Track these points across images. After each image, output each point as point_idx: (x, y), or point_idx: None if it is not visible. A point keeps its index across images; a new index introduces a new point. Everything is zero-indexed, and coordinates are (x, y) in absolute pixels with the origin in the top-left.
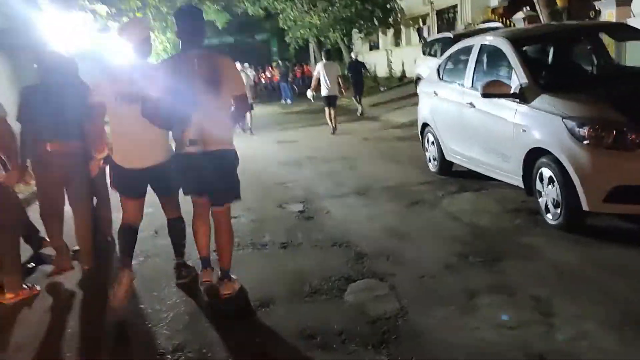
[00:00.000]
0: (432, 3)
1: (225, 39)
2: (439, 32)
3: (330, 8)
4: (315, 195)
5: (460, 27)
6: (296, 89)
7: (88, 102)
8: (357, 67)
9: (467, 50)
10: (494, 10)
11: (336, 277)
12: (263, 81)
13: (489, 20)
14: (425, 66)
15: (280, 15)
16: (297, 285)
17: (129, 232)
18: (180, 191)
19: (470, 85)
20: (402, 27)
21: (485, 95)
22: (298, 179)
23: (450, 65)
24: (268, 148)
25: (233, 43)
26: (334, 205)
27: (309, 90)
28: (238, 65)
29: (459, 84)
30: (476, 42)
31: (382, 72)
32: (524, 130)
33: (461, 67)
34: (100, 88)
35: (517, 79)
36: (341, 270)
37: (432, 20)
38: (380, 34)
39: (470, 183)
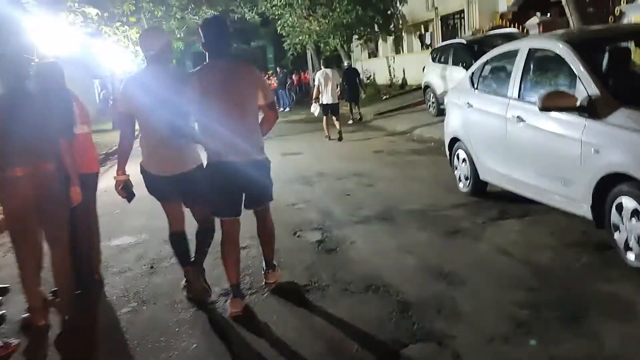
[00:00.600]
0: (436, 9)
1: None
2: (443, 38)
3: (330, 14)
4: (333, 220)
5: (467, 33)
6: (294, 96)
7: (70, 114)
8: (352, 75)
9: (510, 55)
10: (502, 16)
11: (380, 338)
12: None
13: (499, 27)
14: (434, 74)
15: (279, 22)
16: (332, 350)
17: (178, 240)
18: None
19: (517, 96)
20: (403, 33)
21: (544, 108)
22: (310, 199)
23: (487, 73)
24: (272, 161)
25: None
26: (357, 234)
27: (312, 104)
28: None
29: (500, 95)
30: (522, 46)
31: (382, 79)
32: (597, 151)
33: (503, 76)
34: (130, 97)
35: (584, 90)
36: (385, 328)
37: (436, 27)
38: (380, 41)
39: (511, 207)
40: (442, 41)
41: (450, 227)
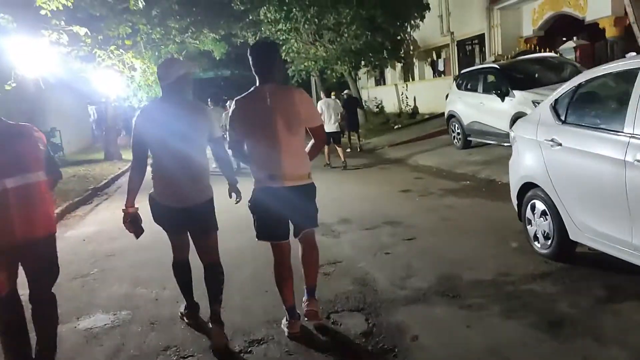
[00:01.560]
0: (452, 33)
1: (221, 72)
2: (459, 65)
3: (338, 39)
4: (377, 296)
5: (489, 59)
6: None
7: None
8: (352, 104)
9: (624, 77)
10: (527, 41)
11: None
12: None
13: (526, 51)
14: (461, 103)
15: (283, 47)
16: None
17: (182, 269)
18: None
19: None
20: (415, 60)
21: None
22: (339, 258)
23: (582, 101)
24: None
25: (229, 76)
26: (416, 321)
27: None
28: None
29: (610, 130)
30: None
31: (390, 108)
32: None
33: (612, 104)
34: (144, 126)
35: None
36: None
37: (452, 52)
38: (388, 67)
39: (618, 280)
40: (459, 68)
41: (547, 312)
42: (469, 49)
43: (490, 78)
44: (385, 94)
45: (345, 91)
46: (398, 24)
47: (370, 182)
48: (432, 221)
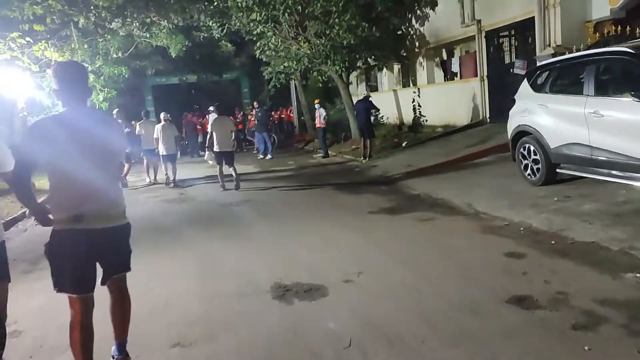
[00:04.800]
0: (479, 22)
1: (186, 77)
2: (489, 62)
3: (327, 31)
4: None
5: (544, 52)
6: (275, 138)
7: None
8: (365, 107)
9: None
10: (597, 26)
11: None
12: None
13: (608, 39)
14: (544, 113)
15: (258, 44)
16: None
17: None
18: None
19: None
20: (422, 59)
21: None
22: None
23: None
24: (257, 327)
25: (196, 82)
26: None
27: (207, 152)
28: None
29: None
30: None
31: (389, 118)
32: None
33: None
34: None
35: None
36: None
37: (480, 46)
38: (385, 70)
39: None
40: (488, 67)
41: None
42: (501, 42)
43: (614, 71)
44: (382, 102)
45: (364, 92)
46: (401, 14)
47: (421, 265)
48: None
